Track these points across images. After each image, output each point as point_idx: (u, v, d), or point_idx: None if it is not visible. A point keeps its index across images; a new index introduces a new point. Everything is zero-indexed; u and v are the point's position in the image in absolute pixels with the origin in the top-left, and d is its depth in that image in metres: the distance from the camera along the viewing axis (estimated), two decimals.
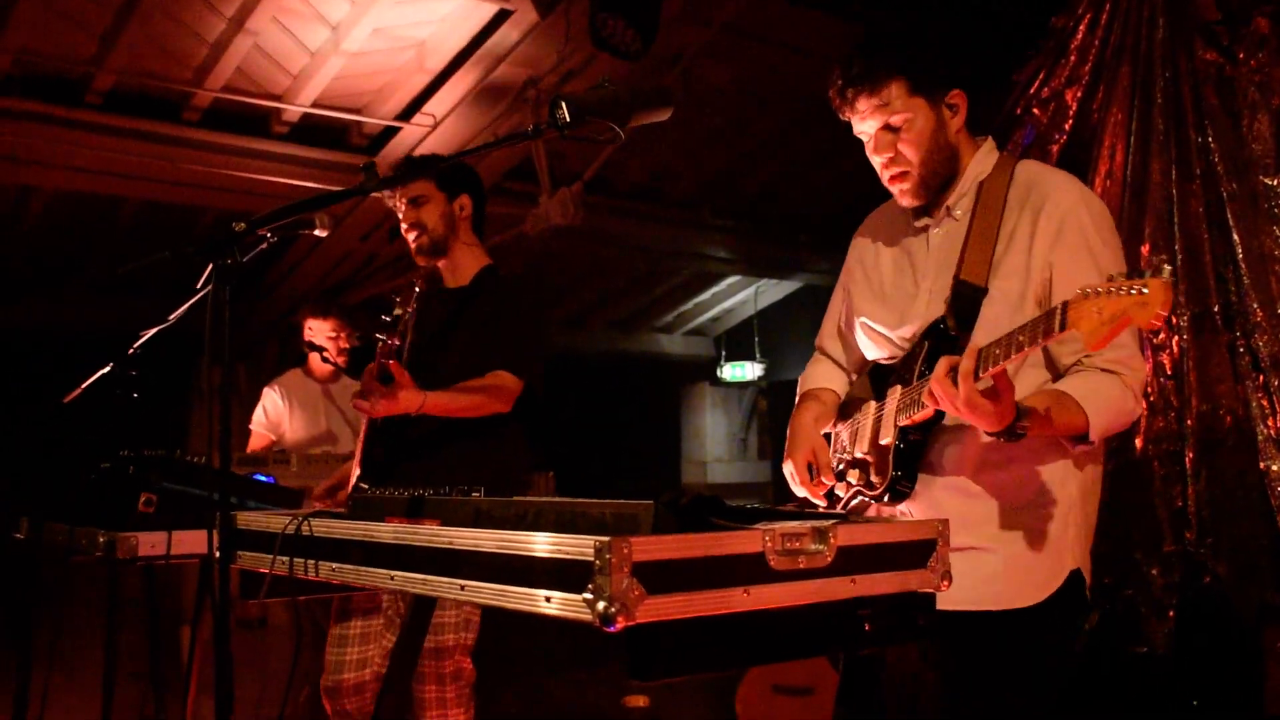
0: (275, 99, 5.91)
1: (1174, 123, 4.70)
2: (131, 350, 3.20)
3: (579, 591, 1.30)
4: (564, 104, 2.01)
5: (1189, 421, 4.59)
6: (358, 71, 5.75)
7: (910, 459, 2.23)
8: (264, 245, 2.18)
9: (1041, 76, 5.28)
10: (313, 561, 1.85)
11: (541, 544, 1.38)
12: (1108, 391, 2.13)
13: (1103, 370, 2.15)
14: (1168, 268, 1.69)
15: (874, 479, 2.28)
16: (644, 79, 5.32)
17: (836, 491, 2.40)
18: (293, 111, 6.02)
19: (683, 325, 11.58)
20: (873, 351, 2.49)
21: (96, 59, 5.38)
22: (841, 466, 2.40)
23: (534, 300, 3.66)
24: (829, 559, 1.48)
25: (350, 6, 5.21)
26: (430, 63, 5.75)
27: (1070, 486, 2.24)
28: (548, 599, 1.37)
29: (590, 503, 1.61)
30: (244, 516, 2.11)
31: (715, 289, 10.76)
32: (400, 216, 3.48)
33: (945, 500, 2.23)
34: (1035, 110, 5.33)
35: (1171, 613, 4.55)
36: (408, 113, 6.10)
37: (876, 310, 2.46)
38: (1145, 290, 1.66)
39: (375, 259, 7.83)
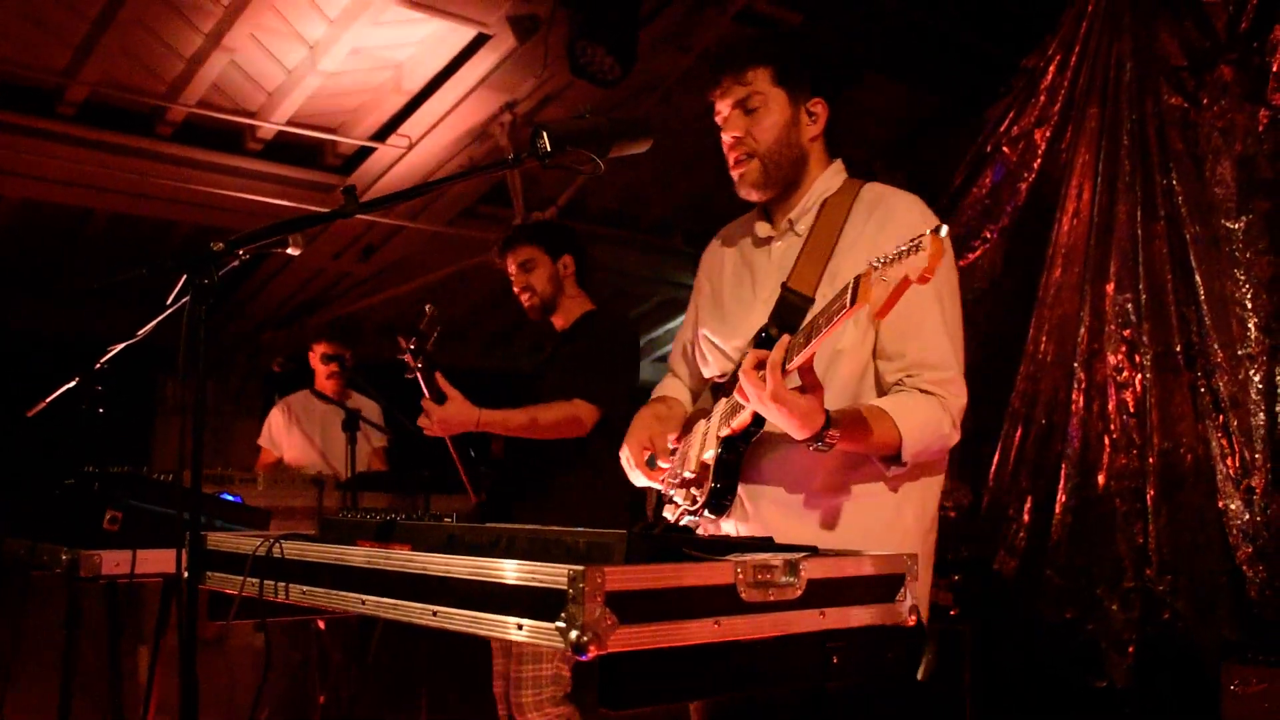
0: (250, 116, 5.89)
1: (1140, 165, 4.79)
2: (98, 364, 3.17)
3: (552, 620, 1.31)
4: (545, 133, 2.01)
5: (1150, 459, 4.65)
6: (334, 91, 5.75)
7: (731, 470, 2.18)
8: (236, 262, 2.16)
9: (1012, 115, 5.37)
10: (283, 584, 1.84)
11: (516, 571, 1.39)
12: (925, 412, 2.09)
13: (923, 391, 2.12)
14: (945, 227, 1.65)
15: (698, 495, 2.22)
16: (622, 105, 5.35)
17: (665, 514, 2.34)
18: (267, 129, 6.01)
19: (652, 352, 11.59)
20: (711, 368, 2.44)
21: (70, 70, 5.36)
22: (671, 491, 2.33)
23: (622, 338, 3.92)
24: (799, 592, 1.49)
25: (329, 26, 5.21)
26: (407, 84, 5.76)
27: (906, 516, 2.19)
28: (519, 626, 1.37)
29: (563, 530, 1.61)
30: (213, 537, 2.09)
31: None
32: (512, 279, 3.85)
33: (772, 516, 2.19)
34: (1005, 148, 5.42)
35: (1132, 648, 4.59)
36: (383, 133, 6.10)
37: (715, 323, 2.44)
38: (920, 247, 1.62)
39: (347, 277, 7.80)
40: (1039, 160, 5.30)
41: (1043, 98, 5.24)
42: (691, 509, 2.22)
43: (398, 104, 5.92)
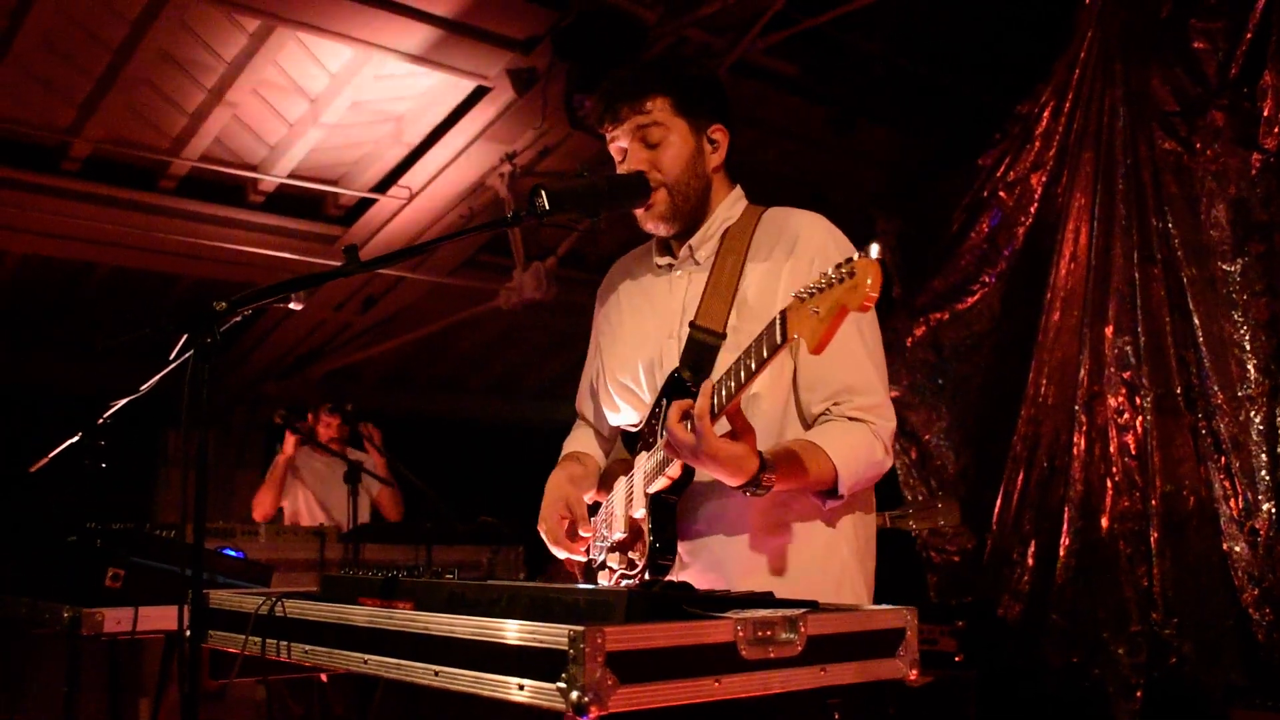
0: (252, 169, 5.95)
1: (1135, 208, 4.83)
2: (101, 419, 3.18)
3: (553, 680, 1.31)
4: (543, 193, 2.02)
5: (1153, 502, 4.65)
6: (335, 143, 5.81)
7: (666, 527, 2.05)
8: (238, 318, 2.17)
9: (1007, 161, 5.42)
10: (285, 643, 1.83)
11: (517, 632, 1.39)
12: (856, 441, 2.01)
13: (851, 419, 2.04)
14: (875, 246, 1.58)
15: (634, 558, 2.10)
16: None
17: (600, 580, 2.19)
18: (269, 182, 6.06)
19: None
20: (622, 415, 2.32)
21: (75, 127, 5.42)
22: (602, 555, 2.20)
23: None
24: (799, 648, 1.49)
25: (330, 80, 5.28)
26: (408, 136, 5.82)
27: (841, 549, 2.11)
28: (520, 686, 1.37)
29: (564, 588, 1.61)
30: (216, 595, 2.09)
31: None
32: None
33: (711, 567, 2.08)
34: (1001, 193, 5.46)
35: (1139, 693, 4.57)
36: (384, 185, 6.15)
37: (618, 364, 2.33)
38: (853, 273, 1.56)
39: (348, 328, 7.83)
40: (1035, 205, 5.34)
41: (1038, 143, 5.29)
42: (630, 573, 2.10)
43: (398, 156, 5.98)
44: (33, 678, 3.46)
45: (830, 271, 1.60)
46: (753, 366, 1.74)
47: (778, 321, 1.67)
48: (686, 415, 1.83)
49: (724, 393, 1.80)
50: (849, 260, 1.57)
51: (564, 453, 2.50)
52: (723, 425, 1.84)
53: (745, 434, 1.84)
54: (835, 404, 2.06)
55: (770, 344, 1.70)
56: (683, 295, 2.21)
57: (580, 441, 2.52)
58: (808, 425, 2.10)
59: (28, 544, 3.35)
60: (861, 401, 2.05)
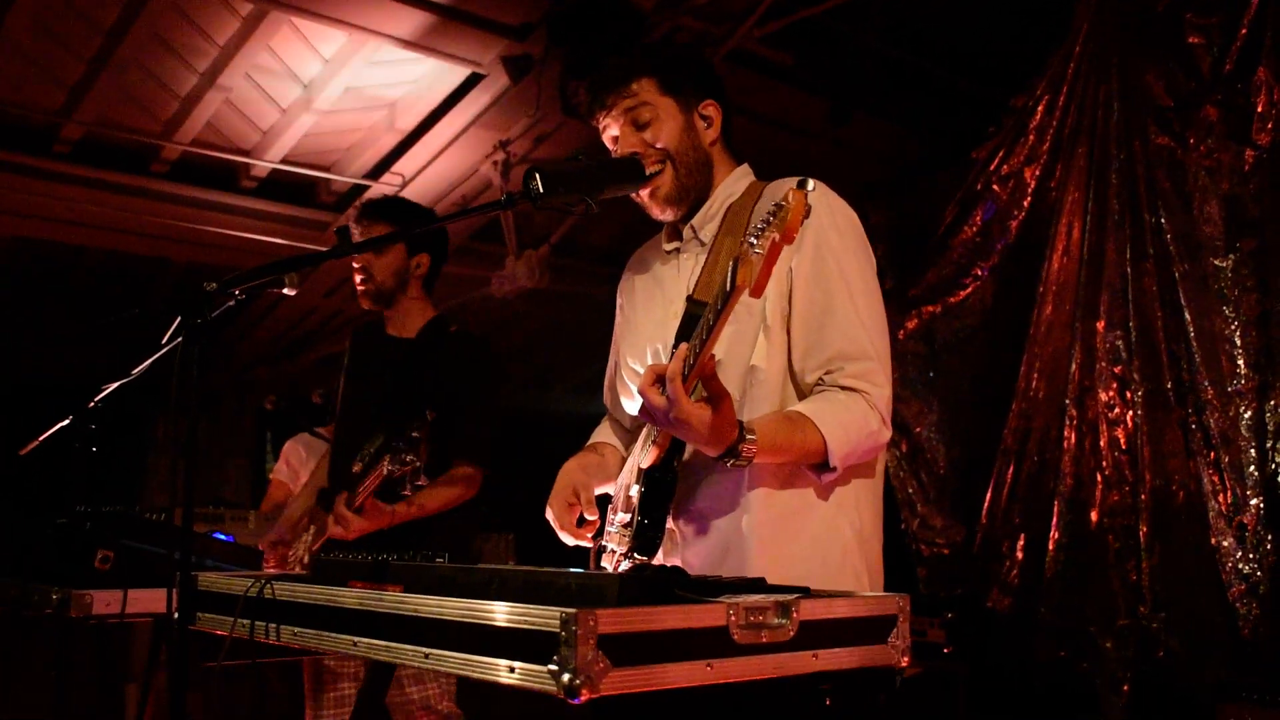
0: (244, 154, 5.92)
1: (1128, 203, 4.83)
2: (92, 403, 3.17)
3: (544, 662, 1.30)
4: (538, 176, 2.01)
5: (1143, 496, 4.66)
6: (328, 129, 5.78)
7: (656, 504, 2.03)
8: (230, 302, 2.16)
9: (1001, 154, 5.42)
10: (275, 625, 1.83)
11: (507, 614, 1.38)
12: (847, 412, 1.97)
13: (845, 389, 2.00)
14: (811, 180, 1.59)
15: (628, 535, 2.07)
16: None
17: (603, 563, 2.15)
18: (262, 167, 6.04)
19: None
20: (634, 403, 2.22)
21: (65, 109, 5.39)
22: (607, 542, 2.17)
23: (489, 371, 3.52)
24: (791, 633, 1.48)
25: (324, 65, 5.25)
26: (401, 123, 5.80)
27: (842, 529, 2.07)
28: (511, 669, 1.36)
29: (556, 572, 1.61)
30: (205, 577, 2.08)
31: None
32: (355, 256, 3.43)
33: (707, 545, 2.08)
34: (995, 187, 5.46)
35: (1126, 687, 4.59)
36: (377, 171, 6.13)
37: (631, 349, 2.34)
38: (784, 206, 1.55)
39: (339, 315, 7.81)
40: (1029, 199, 5.34)
41: (1032, 137, 5.29)
42: (625, 551, 2.06)
43: (391, 142, 5.96)
44: (23, 661, 3.45)
45: (770, 208, 1.59)
46: (712, 321, 1.70)
47: (730, 270, 1.64)
48: (659, 379, 1.80)
49: (693, 354, 1.76)
50: (785, 195, 1.57)
51: (588, 443, 2.48)
52: (695, 387, 1.79)
53: (721, 398, 1.78)
54: (828, 372, 2.03)
55: (723, 293, 1.67)
56: (688, 276, 2.21)
57: (601, 434, 2.50)
58: (804, 397, 2.05)
59: (17, 526, 3.34)
60: (853, 369, 2.01)
